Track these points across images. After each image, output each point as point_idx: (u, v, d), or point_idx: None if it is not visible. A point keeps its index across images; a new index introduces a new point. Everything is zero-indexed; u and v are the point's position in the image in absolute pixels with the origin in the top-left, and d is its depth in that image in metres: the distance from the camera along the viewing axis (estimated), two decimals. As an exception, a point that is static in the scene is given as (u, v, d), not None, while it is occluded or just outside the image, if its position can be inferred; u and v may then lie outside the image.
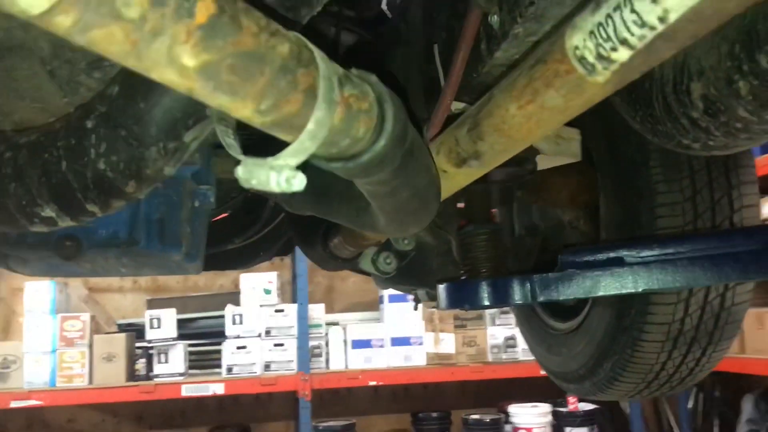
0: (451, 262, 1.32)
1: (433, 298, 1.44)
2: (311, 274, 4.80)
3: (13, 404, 4.31)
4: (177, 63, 0.41)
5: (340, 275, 5.55)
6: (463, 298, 1.04)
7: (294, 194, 0.59)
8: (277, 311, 4.69)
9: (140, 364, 4.66)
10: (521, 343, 4.87)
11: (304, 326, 4.68)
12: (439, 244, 1.29)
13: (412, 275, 1.36)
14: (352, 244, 1.08)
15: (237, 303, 4.72)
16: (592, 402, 4.93)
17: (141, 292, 5.33)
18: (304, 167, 0.47)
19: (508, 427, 4.81)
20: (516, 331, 4.85)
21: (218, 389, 4.48)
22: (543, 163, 1.09)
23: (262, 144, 0.49)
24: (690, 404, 5.04)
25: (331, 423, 4.71)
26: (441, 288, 1.09)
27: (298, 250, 4.86)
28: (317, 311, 4.84)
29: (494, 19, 0.73)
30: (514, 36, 0.70)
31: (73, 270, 0.98)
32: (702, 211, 1.17)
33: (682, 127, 0.75)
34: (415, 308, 1.57)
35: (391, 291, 4.89)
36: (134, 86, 0.55)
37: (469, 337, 4.88)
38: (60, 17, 0.37)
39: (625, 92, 0.84)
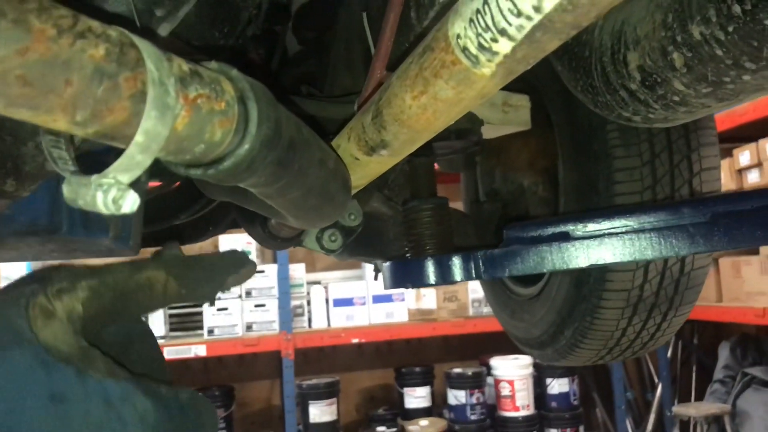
0: (404, 234, 1.28)
1: (386, 266, 1.42)
2: (290, 234, 4.78)
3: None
4: None
5: (321, 233, 5.53)
6: (407, 277, 1.01)
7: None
8: (257, 272, 4.68)
9: (120, 328, 4.66)
10: (502, 297, 4.90)
11: (285, 286, 4.67)
12: (395, 213, 1.26)
13: (368, 246, 1.32)
14: (289, 224, 1.04)
15: (217, 264, 4.70)
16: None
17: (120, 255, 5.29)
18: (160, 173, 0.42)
19: (490, 380, 4.86)
20: (496, 286, 4.88)
21: (200, 351, 4.49)
22: (491, 132, 1.05)
23: None
24: (669, 353, 5.11)
25: (314, 381, 4.74)
26: (385, 267, 1.05)
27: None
28: (298, 271, 4.83)
29: None
30: (441, 4, 0.65)
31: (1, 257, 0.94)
32: (661, 176, 1.14)
33: (621, 99, 0.71)
34: (375, 278, 1.55)
35: (371, 248, 4.89)
36: None
37: (450, 292, 4.90)
38: None
39: (566, 60, 0.80)
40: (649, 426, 5.01)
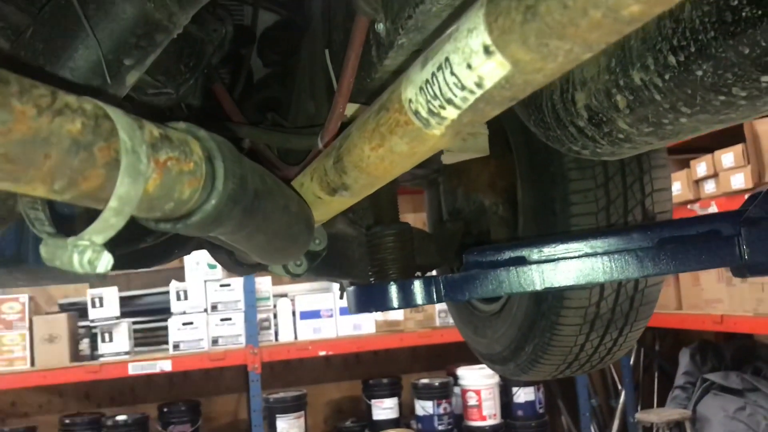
0: (367, 255, 1.31)
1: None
2: (256, 247, 4.76)
3: (-48, 391, 4.22)
4: None
5: (287, 246, 5.52)
6: (371, 302, 1.04)
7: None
8: (222, 285, 4.66)
9: (84, 344, 4.60)
10: (468, 308, 4.94)
11: (252, 299, 4.66)
12: (359, 234, 1.28)
13: (333, 267, 1.35)
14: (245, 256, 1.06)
15: (182, 279, 4.66)
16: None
17: (83, 270, 5.22)
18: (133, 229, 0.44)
19: (457, 390, 4.90)
20: (462, 296, 4.92)
21: (166, 366, 4.45)
22: (450, 158, 1.08)
23: None
24: (632, 360, 5.20)
25: (281, 394, 4.72)
26: (349, 292, 1.08)
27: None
28: (264, 284, 4.82)
29: (380, 27, 0.71)
30: (400, 46, 0.68)
31: None
32: (614, 197, 1.19)
33: (571, 135, 0.75)
34: (341, 297, 1.57)
35: (338, 261, 4.91)
36: None
37: (416, 303, 4.94)
38: None
39: (519, 95, 0.83)
40: (613, 432, 5.09)
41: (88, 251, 0.42)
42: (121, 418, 4.49)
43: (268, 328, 4.79)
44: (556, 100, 0.74)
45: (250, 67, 1.42)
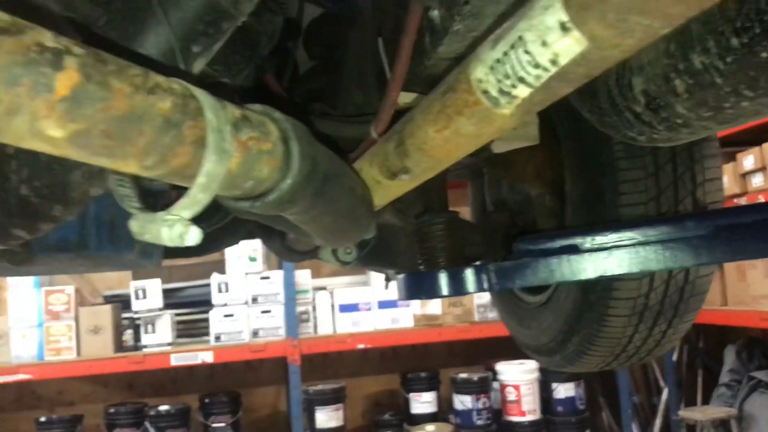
0: (415, 243, 1.32)
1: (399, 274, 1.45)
2: (296, 240, 4.80)
3: (2, 378, 4.33)
4: (43, 136, 0.41)
5: (326, 240, 5.56)
6: (420, 290, 1.04)
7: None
8: (262, 278, 4.71)
9: (128, 335, 4.69)
10: (507, 302, 4.92)
11: (291, 292, 4.70)
12: (406, 224, 1.29)
13: (379, 256, 1.36)
14: (309, 240, 1.08)
15: (222, 271, 4.72)
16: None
17: (127, 263, 5.32)
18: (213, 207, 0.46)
19: (495, 385, 4.88)
20: (501, 291, 4.90)
21: (207, 357, 4.51)
22: (500, 147, 1.08)
23: None
24: (675, 357, 5.13)
25: (320, 386, 4.76)
26: (399, 279, 1.09)
27: (282, 217, 4.85)
28: (303, 277, 4.86)
29: (434, 14, 0.72)
30: (455, 32, 0.68)
31: (28, 270, 0.97)
32: (664, 187, 1.17)
33: (627, 121, 0.74)
34: (386, 287, 1.58)
35: (377, 254, 4.92)
36: None
37: (455, 298, 4.92)
38: None
39: (573, 81, 0.82)
40: (656, 430, 5.02)
41: (177, 225, 0.44)
42: (163, 408, 4.57)
43: (307, 320, 4.83)
44: (612, 86, 0.73)
45: (296, 60, 1.43)
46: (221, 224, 1.23)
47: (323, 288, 4.99)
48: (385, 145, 0.70)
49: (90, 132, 0.39)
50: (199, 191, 0.45)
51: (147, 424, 4.51)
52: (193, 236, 0.45)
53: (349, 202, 0.64)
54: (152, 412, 4.54)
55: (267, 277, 4.72)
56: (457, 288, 1.00)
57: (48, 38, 0.41)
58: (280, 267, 4.82)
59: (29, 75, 0.40)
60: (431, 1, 0.71)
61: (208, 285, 4.70)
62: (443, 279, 1.00)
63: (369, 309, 4.86)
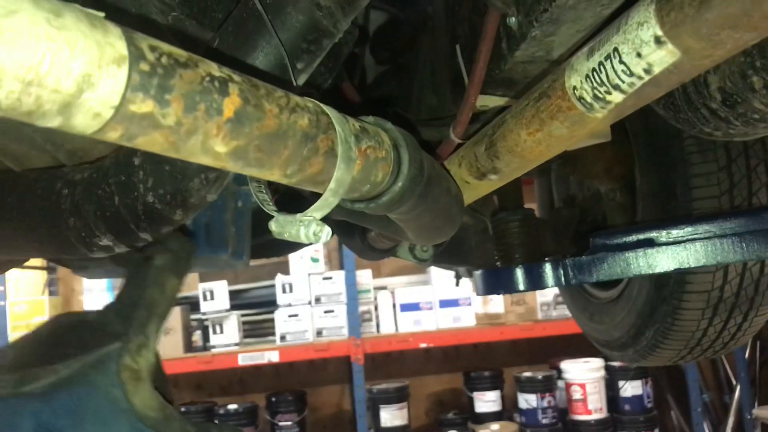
0: (489, 239, 1.34)
1: (470, 274, 1.47)
2: (357, 241, 4.86)
3: (81, 379, 4.51)
4: (211, 152, 0.48)
5: (386, 240, 5.61)
6: (498, 285, 1.07)
7: None
8: (325, 279, 4.78)
9: (196, 336, 4.82)
10: (570, 300, 4.88)
11: (353, 292, 4.76)
12: (477, 223, 1.32)
13: (452, 254, 1.38)
14: (390, 237, 1.12)
15: (286, 272, 4.82)
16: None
17: (193, 265, 5.47)
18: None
19: (560, 383, 4.84)
20: (564, 288, 4.86)
21: (273, 357, 4.61)
22: (574, 144, 1.09)
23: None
24: (747, 353, 4.99)
25: (384, 385, 4.81)
26: (477, 276, 1.11)
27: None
28: (365, 277, 4.91)
29: (512, 21, 0.74)
30: (533, 38, 0.71)
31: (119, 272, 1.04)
32: (738, 180, 1.17)
33: (703, 117, 0.75)
34: (457, 284, 1.60)
35: (437, 254, 4.94)
36: None
37: (517, 296, 4.91)
38: (110, 133, 0.45)
39: (648, 80, 0.84)
40: (728, 429, 4.90)
41: (313, 225, 0.50)
42: (232, 407, 4.69)
43: (370, 320, 4.88)
44: (688, 84, 0.75)
45: (364, 66, 1.48)
46: None
47: (384, 288, 5.04)
48: (475, 147, 0.74)
49: (247, 147, 0.45)
50: (330, 195, 0.51)
51: (217, 422, 4.64)
52: (326, 234, 0.51)
53: (445, 202, 0.69)
54: (221, 411, 4.66)
55: (329, 278, 4.79)
56: (535, 282, 1.02)
57: (214, 69, 0.48)
58: (341, 267, 4.90)
59: (204, 101, 0.47)
60: (509, 8, 0.74)
61: (272, 286, 4.80)
62: (521, 274, 1.03)
63: (430, 308, 4.89)
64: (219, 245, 0.97)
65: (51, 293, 5.13)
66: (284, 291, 4.76)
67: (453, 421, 4.99)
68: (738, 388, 4.95)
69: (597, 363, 4.73)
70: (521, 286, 1.04)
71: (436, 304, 4.88)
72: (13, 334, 4.56)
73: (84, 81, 0.41)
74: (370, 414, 4.76)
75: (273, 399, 4.86)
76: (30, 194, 0.70)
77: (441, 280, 4.88)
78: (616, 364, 4.80)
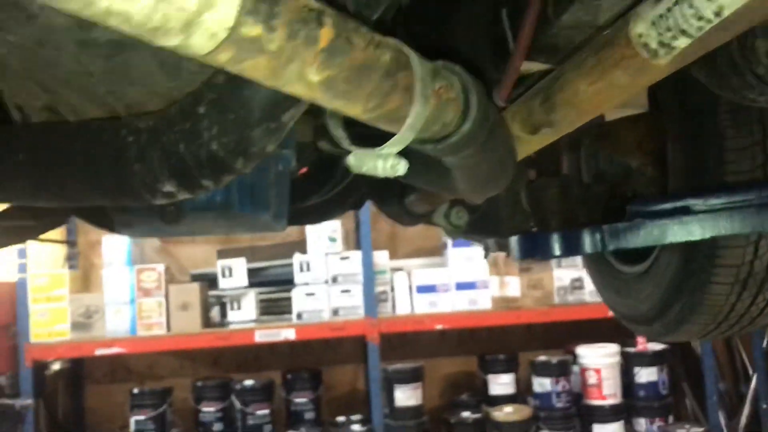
0: (519, 211, 1.35)
1: (502, 247, 1.48)
2: (374, 221, 4.87)
3: (98, 351, 4.57)
4: (305, 80, 0.51)
5: (404, 222, 5.62)
6: (535, 249, 1.08)
7: None
8: (342, 258, 4.80)
9: (214, 312, 4.87)
10: (588, 285, 4.87)
11: (370, 272, 4.78)
12: (508, 194, 1.32)
13: (482, 226, 1.39)
14: (429, 201, 1.13)
15: (303, 251, 4.84)
16: (663, 342, 4.93)
17: (211, 242, 5.51)
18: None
19: (575, 368, 4.85)
20: (583, 273, 4.84)
21: (289, 335, 4.64)
22: (610, 114, 1.10)
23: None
24: (765, 343, 4.96)
25: (399, 365, 4.84)
26: (513, 240, 1.12)
27: (361, 199, 4.94)
28: (382, 258, 4.93)
29: None
30: (580, 2, 0.72)
31: (171, 231, 1.05)
32: None
33: (747, 83, 0.75)
34: (485, 257, 1.61)
35: (455, 236, 4.94)
36: (238, 75, 0.62)
37: (534, 280, 4.91)
38: (221, 55, 0.48)
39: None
40: (743, 419, 4.89)
41: (390, 159, 0.52)
42: (248, 383, 4.74)
43: (386, 300, 4.90)
44: (733, 50, 0.75)
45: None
46: (335, 192, 1.30)
47: (400, 269, 5.05)
48: (529, 101, 0.76)
49: (336, 78, 0.49)
50: (407, 130, 0.54)
51: (233, 397, 4.69)
52: (403, 167, 0.54)
53: (503, 152, 0.71)
54: (238, 387, 4.71)
55: (347, 258, 4.81)
56: (571, 248, 1.03)
57: (311, 1, 0.51)
58: (358, 248, 4.91)
59: (303, 29, 0.50)
60: None
61: (290, 265, 4.82)
62: (558, 239, 1.03)
63: (447, 290, 4.89)
64: (261, 206, 0.98)
65: (71, 267, 5.19)
66: (302, 270, 4.78)
67: (467, 402, 5.01)
68: (755, 377, 4.94)
69: (613, 348, 4.74)
70: (557, 251, 1.05)
71: (452, 286, 4.89)
72: (34, 306, 4.63)
73: (205, 1, 0.44)
74: (384, 394, 4.79)
75: (289, 376, 4.90)
76: (96, 142, 0.72)
77: (457, 262, 4.89)
78: (632, 349, 4.80)
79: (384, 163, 0.55)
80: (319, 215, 1.52)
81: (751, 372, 5.03)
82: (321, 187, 1.33)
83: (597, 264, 1.66)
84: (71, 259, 5.29)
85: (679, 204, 0.96)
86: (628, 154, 1.40)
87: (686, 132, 1.24)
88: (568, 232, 1.04)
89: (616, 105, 0.66)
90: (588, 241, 1.02)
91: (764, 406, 4.82)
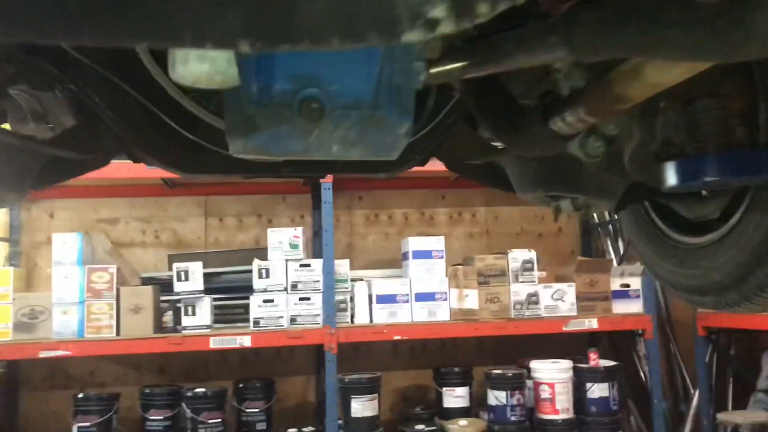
0: (605, 169, 1.34)
1: (578, 207, 1.46)
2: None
3: (42, 354, 4.29)
4: None
5: (359, 233, 5.57)
6: (698, 172, 1.06)
7: None
8: (302, 266, 4.71)
9: (167, 317, 4.67)
10: (544, 300, 4.95)
11: (330, 281, 4.70)
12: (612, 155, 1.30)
13: (564, 179, 1.37)
14: (595, 112, 1.07)
15: (261, 258, 4.72)
16: (612, 359, 5.04)
17: (162, 247, 5.31)
18: None
19: (529, 382, 4.89)
20: (539, 288, 4.92)
21: (246, 341, 4.50)
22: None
23: None
24: (707, 358, 5.13)
25: (356, 376, 4.75)
26: (669, 165, 1.10)
27: (324, 206, 4.85)
28: (343, 267, 4.86)
29: None
30: None
31: (286, 147, 0.95)
32: None
33: None
34: (555, 219, 1.59)
35: (416, 247, 4.92)
36: None
37: (492, 293, 4.94)
38: None
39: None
40: (687, 434, 5.04)
41: None
42: (200, 390, 4.55)
43: (345, 310, 4.83)
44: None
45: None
46: (424, 132, 1.23)
47: (361, 279, 4.98)
48: None
49: None
50: None
51: (184, 405, 4.49)
52: None
53: None
54: (189, 394, 4.51)
55: (307, 265, 4.72)
56: (737, 169, 1.01)
57: None
58: (320, 256, 4.83)
59: None
60: None
61: (248, 271, 4.69)
62: (728, 158, 1.01)
63: (407, 301, 4.87)
64: (406, 112, 0.91)
65: (12, 266, 4.88)
66: (260, 276, 4.66)
67: (420, 415, 4.97)
68: (697, 394, 5.10)
69: (566, 364, 4.81)
70: (719, 174, 1.03)
71: (412, 297, 4.87)
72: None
73: None
74: (340, 404, 4.69)
75: (241, 385, 4.74)
76: None
77: (417, 273, 4.88)
78: (584, 365, 4.88)
79: None
80: (404, 162, 1.44)
81: (692, 391, 5.20)
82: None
83: (652, 240, 1.67)
84: (13, 259, 4.98)
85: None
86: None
87: None
88: (735, 153, 1.03)
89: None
90: (754, 163, 1.01)
91: (705, 422, 4.98)
